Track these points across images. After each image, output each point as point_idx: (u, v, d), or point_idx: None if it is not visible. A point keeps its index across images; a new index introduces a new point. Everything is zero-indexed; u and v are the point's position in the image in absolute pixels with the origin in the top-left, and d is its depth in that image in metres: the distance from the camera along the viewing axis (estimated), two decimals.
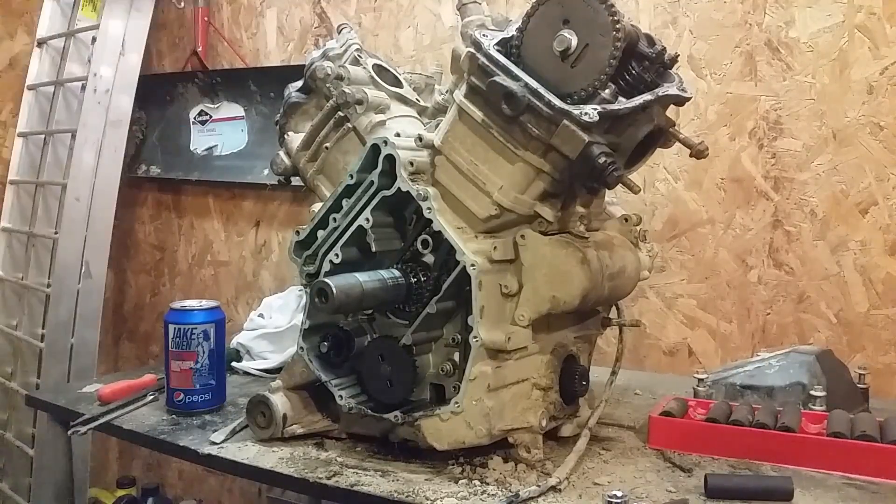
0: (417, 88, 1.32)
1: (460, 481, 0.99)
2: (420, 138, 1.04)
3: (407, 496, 0.95)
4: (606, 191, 1.13)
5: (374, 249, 1.05)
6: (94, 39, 2.21)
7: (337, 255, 1.07)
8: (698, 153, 1.01)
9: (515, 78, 0.93)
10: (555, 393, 1.06)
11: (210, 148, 2.38)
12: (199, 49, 2.35)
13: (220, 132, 2.35)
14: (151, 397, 1.37)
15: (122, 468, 2.62)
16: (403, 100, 1.24)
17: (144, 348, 2.62)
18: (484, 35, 0.97)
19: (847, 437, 1.03)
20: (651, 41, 0.98)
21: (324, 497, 1.02)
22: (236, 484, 2.38)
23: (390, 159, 1.03)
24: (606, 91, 0.92)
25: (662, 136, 1.01)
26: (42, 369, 2.14)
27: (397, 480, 1.00)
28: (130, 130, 2.31)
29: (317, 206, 1.13)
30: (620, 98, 0.94)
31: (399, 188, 1.02)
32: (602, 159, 0.90)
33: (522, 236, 0.99)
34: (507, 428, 1.01)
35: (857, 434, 1.03)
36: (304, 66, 1.25)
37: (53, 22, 2.36)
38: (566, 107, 0.91)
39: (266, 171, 2.14)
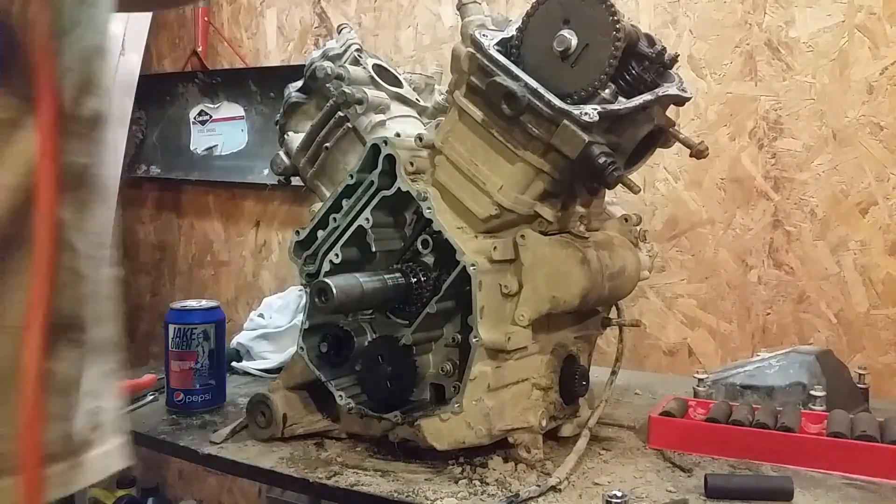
0: (417, 88, 1.32)
1: (460, 481, 0.99)
2: (420, 138, 1.04)
3: (407, 496, 0.95)
4: (606, 191, 1.13)
5: (374, 249, 1.05)
6: None
7: (337, 255, 1.07)
8: (698, 153, 1.01)
9: (515, 78, 0.93)
10: (555, 393, 1.06)
11: (210, 148, 2.38)
12: (199, 49, 2.35)
13: (220, 132, 2.35)
14: (151, 397, 1.37)
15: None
16: (403, 100, 1.24)
17: (144, 348, 2.62)
18: (484, 35, 0.97)
19: (847, 437, 1.03)
20: (651, 41, 0.98)
21: (324, 497, 1.02)
22: (236, 484, 2.38)
23: (390, 159, 1.03)
24: (606, 91, 0.92)
25: (662, 136, 1.01)
26: None
27: (397, 480, 1.00)
28: (130, 130, 2.31)
29: (317, 206, 1.13)
30: (620, 98, 0.94)
31: (399, 188, 1.02)
32: (602, 159, 0.90)
33: (522, 236, 0.99)
34: (507, 428, 1.01)
35: (857, 434, 1.03)
36: (304, 66, 1.25)
37: None
38: (566, 107, 0.91)
39: (266, 171, 2.14)
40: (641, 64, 0.96)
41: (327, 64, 1.20)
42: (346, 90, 1.15)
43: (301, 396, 1.15)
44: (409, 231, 1.08)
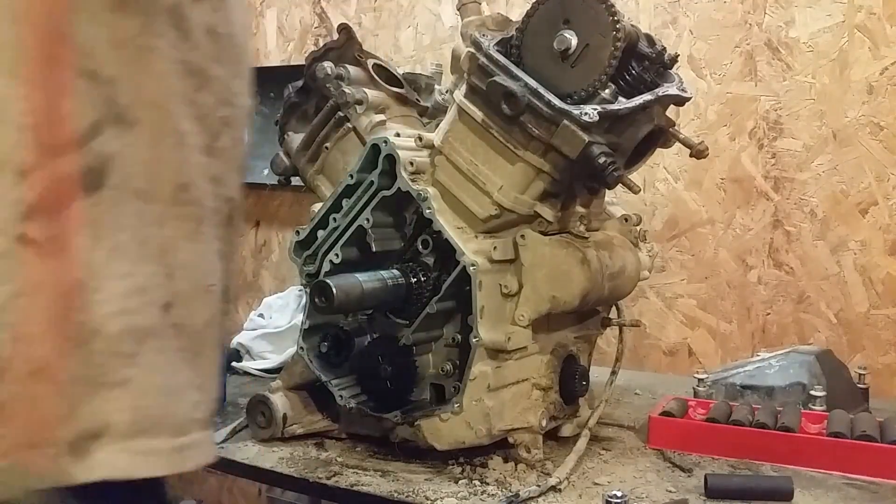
0: (417, 88, 1.32)
1: (460, 481, 0.99)
2: (420, 138, 1.04)
3: (407, 496, 0.95)
4: (606, 191, 1.13)
5: (374, 249, 1.05)
6: None
7: (337, 255, 1.07)
8: (698, 153, 1.01)
9: (515, 78, 0.93)
10: (555, 393, 1.06)
11: None
12: None
13: None
14: None
15: None
16: (403, 100, 1.24)
17: None
18: (484, 35, 0.97)
19: (847, 437, 1.03)
20: (651, 41, 0.98)
21: (324, 497, 1.02)
22: (236, 484, 2.38)
23: (390, 159, 1.03)
24: (606, 91, 0.92)
25: (662, 136, 1.01)
26: None
27: (397, 480, 1.00)
28: None
29: (317, 206, 1.13)
30: (620, 98, 0.94)
31: (399, 188, 1.02)
32: (602, 159, 0.90)
33: (522, 236, 0.99)
34: (507, 428, 1.01)
35: (857, 434, 1.03)
36: (304, 65, 1.25)
37: None
38: (566, 107, 0.91)
39: (266, 171, 2.13)
40: (641, 64, 0.96)
41: (327, 64, 1.20)
42: (346, 90, 1.15)
43: (301, 396, 1.15)
44: (409, 231, 1.08)
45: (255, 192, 2.31)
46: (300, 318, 1.22)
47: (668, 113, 1.02)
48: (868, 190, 1.51)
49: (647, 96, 0.95)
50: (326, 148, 1.19)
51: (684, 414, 1.16)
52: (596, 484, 0.99)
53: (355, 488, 0.98)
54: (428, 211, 1.00)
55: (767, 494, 0.94)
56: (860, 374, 1.31)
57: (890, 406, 1.30)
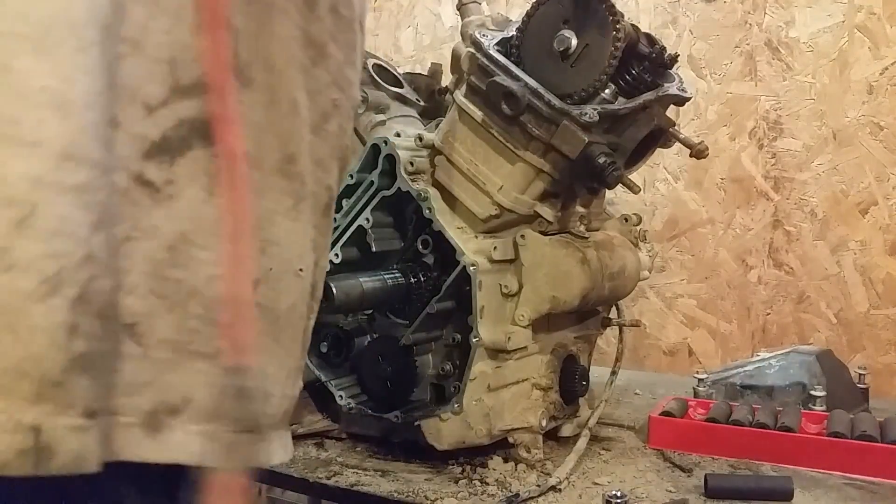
0: (417, 88, 1.32)
1: (460, 481, 0.99)
2: (420, 138, 1.04)
3: (407, 496, 0.95)
4: (606, 191, 1.13)
5: (374, 249, 1.05)
6: None
7: (337, 255, 1.07)
8: (698, 153, 1.01)
9: (515, 78, 0.93)
10: (555, 393, 1.06)
11: None
12: None
13: None
14: None
15: None
16: (403, 100, 1.24)
17: None
18: (484, 35, 0.97)
19: (847, 437, 1.03)
20: (651, 41, 0.98)
21: (324, 497, 1.02)
22: None
23: (390, 159, 1.03)
24: (606, 91, 0.93)
25: (662, 136, 1.01)
26: None
27: (397, 480, 1.00)
28: None
29: None
30: (620, 98, 0.94)
31: (399, 188, 1.02)
32: (602, 159, 0.90)
33: (522, 236, 0.99)
34: (507, 428, 1.01)
35: (857, 434, 1.03)
36: None
37: None
38: (566, 107, 0.91)
39: None
40: (641, 64, 0.96)
41: None
42: None
43: (301, 396, 1.15)
44: (409, 231, 1.08)
45: None
46: None
47: (668, 113, 1.02)
48: (868, 190, 1.51)
49: (647, 96, 0.95)
50: None
51: (684, 414, 1.16)
52: (596, 484, 0.99)
53: (355, 488, 0.98)
54: (428, 211, 1.00)
55: (767, 494, 0.94)
56: (860, 374, 1.31)
57: (890, 406, 1.30)
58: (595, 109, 0.90)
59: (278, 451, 0.50)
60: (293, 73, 0.49)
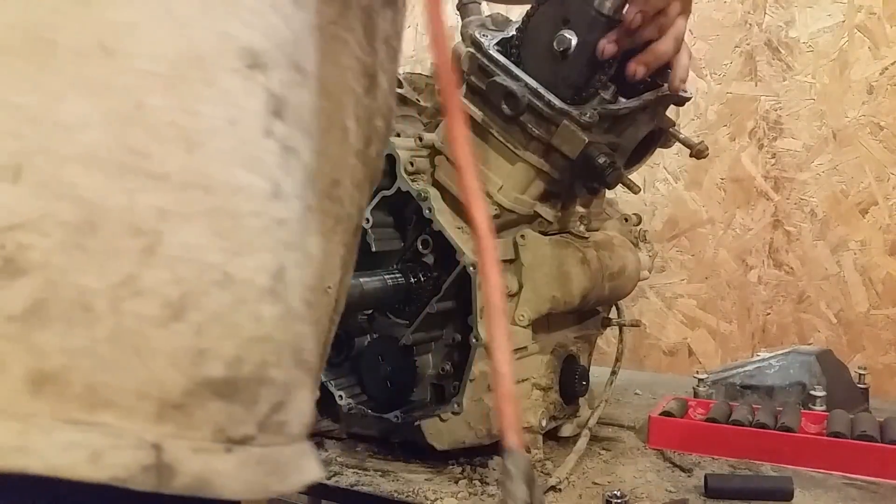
0: (417, 88, 1.32)
1: (460, 481, 0.99)
2: (420, 138, 1.04)
3: (407, 496, 0.95)
4: (606, 191, 1.13)
5: (374, 249, 1.05)
6: None
7: None
8: (698, 153, 1.01)
9: (515, 78, 0.93)
10: (555, 393, 1.06)
11: None
12: None
13: None
14: None
15: None
16: (403, 100, 1.24)
17: None
18: (484, 35, 0.97)
19: (847, 437, 1.03)
20: None
21: (324, 497, 1.02)
22: None
23: (390, 159, 1.03)
24: (607, 91, 0.92)
25: (662, 136, 1.01)
26: None
27: (397, 480, 1.00)
28: None
29: None
30: (620, 98, 0.94)
31: (399, 188, 1.02)
32: (602, 159, 0.90)
33: (522, 236, 0.99)
34: None
35: (857, 434, 1.03)
36: None
37: None
38: (566, 107, 0.91)
39: None
40: None
41: None
42: None
43: None
44: (409, 231, 1.08)
45: None
46: None
47: (668, 113, 1.02)
48: (868, 190, 1.51)
49: (647, 96, 0.95)
50: None
51: (684, 414, 1.16)
52: (596, 484, 0.99)
53: (355, 488, 0.98)
54: (428, 211, 1.00)
55: (767, 494, 0.94)
56: (860, 374, 1.31)
57: (890, 406, 1.30)
58: (595, 109, 0.90)
59: (310, 469, 0.48)
60: (348, 101, 0.51)
